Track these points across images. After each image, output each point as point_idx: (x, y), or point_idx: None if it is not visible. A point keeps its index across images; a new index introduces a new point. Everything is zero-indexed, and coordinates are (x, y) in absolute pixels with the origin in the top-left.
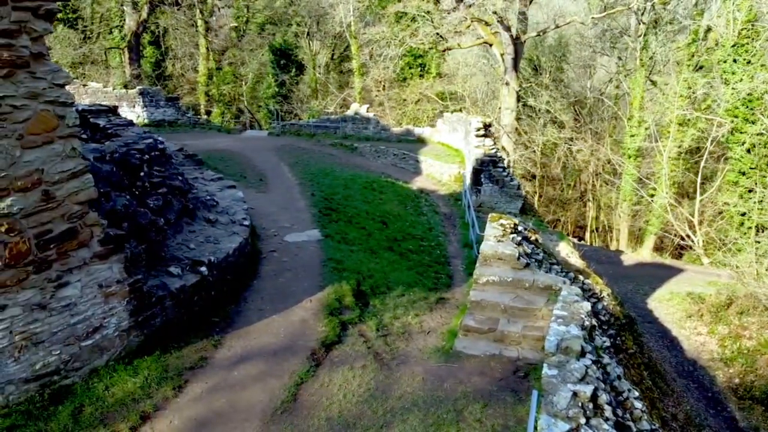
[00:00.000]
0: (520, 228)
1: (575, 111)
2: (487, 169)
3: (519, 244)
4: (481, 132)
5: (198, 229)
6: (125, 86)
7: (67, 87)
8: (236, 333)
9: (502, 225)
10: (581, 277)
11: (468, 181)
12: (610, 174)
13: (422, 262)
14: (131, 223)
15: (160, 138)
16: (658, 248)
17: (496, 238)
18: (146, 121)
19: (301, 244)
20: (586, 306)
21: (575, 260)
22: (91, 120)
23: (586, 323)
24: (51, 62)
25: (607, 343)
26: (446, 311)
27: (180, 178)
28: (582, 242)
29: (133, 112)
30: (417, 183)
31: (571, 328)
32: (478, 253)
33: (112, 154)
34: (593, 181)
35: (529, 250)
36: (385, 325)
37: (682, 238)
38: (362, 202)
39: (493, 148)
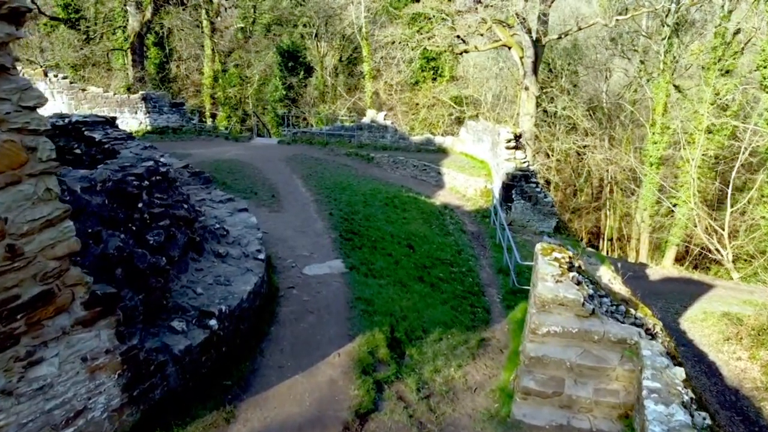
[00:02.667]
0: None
1: (591, 116)
2: (518, 184)
3: (579, 283)
4: (512, 144)
5: (206, 267)
6: (128, 89)
7: (39, 110)
8: (253, 400)
9: (557, 260)
10: (633, 311)
11: (497, 196)
12: (630, 181)
13: (455, 293)
14: (126, 269)
15: (162, 159)
16: (678, 259)
17: (554, 277)
18: (149, 128)
19: (322, 277)
20: (680, 373)
21: (619, 287)
22: (86, 133)
23: (685, 398)
24: (18, 77)
25: (708, 421)
26: (490, 358)
27: (185, 205)
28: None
29: (135, 119)
30: (440, 197)
31: (673, 408)
32: (516, 282)
33: (104, 183)
34: (611, 188)
35: (591, 291)
36: (426, 382)
37: (709, 251)
38: (385, 222)
39: (525, 161)
